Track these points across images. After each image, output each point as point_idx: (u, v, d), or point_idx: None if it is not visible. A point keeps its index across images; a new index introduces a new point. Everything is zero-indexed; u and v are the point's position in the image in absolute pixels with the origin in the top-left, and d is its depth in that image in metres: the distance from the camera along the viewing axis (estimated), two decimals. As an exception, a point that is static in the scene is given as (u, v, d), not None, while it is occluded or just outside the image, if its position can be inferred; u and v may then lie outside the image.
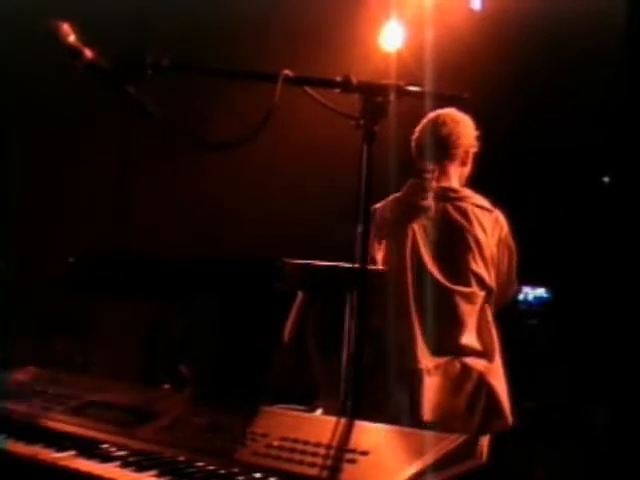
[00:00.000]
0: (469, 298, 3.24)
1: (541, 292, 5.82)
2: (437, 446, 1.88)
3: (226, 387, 2.40)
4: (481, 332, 3.26)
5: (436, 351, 3.18)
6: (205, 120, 5.33)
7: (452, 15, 5.21)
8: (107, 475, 1.90)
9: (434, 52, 4.13)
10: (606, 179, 5.67)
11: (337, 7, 5.26)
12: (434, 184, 3.33)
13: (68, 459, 2.01)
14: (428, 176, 3.35)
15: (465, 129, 3.40)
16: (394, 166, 3.38)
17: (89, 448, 2.07)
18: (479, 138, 3.45)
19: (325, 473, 1.84)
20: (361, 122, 2.16)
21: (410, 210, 3.30)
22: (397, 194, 3.37)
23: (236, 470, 1.92)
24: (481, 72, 4.97)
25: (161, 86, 2.36)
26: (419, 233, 3.28)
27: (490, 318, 3.30)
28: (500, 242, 3.35)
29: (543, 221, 5.56)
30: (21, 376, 2.65)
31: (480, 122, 3.47)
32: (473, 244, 3.26)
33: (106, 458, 2.01)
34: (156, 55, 2.14)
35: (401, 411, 3.10)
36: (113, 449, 2.07)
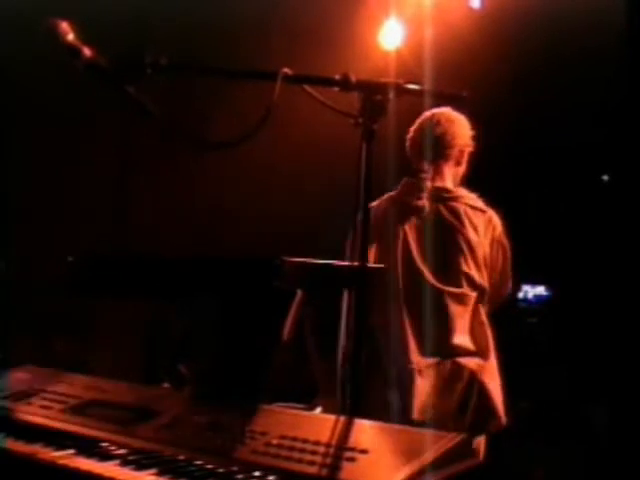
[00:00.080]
0: (460, 299, 3.23)
1: (540, 290, 5.82)
2: (436, 445, 1.88)
3: (225, 386, 2.39)
4: (474, 332, 3.26)
5: (427, 351, 3.18)
6: (205, 119, 5.33)
7: (451, 13, 5.21)
8: (107, 474, 1.90)
9: (433, 50, 4.13)
10: (605, 177, 5.67)
11: (337, 6, 5.27)
12: (428, 184, 3.33)
13: (67, 458, 2.01)
14: (422, 176, 3.34)
15: (460, 129, 3.40)
16: (393, 164, 3.38)
17: (88, 447, 2.07)
18: (475, 137, 3.45)
19: (324, 471, 1.85)
20: (360, 120, 2.16)
21: (404, 210, 3.29)
22: (392, 193, 3.37)
23: (235, 469, 1.92)
24: (480, 70, 4.97)
25: (160, 86, 2.36)
26: (411, 233, 3.28)
27: (484, 318, 3.30)
28: (494, 242, 3.34)
29: (542, 219, 5.57)
30: (20, 375, 2.65)
31: (479, 120, 3.47)
32: (464, 245, 3.25)
33: (106, 457, 2.01)
34: (155, 55, 2.15)
35: (392, 410, 3.10)
36: (113, 448, 2.07)
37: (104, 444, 2.10)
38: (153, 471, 1.92)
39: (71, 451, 2.05)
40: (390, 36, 5.22)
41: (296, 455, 1.93)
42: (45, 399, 2.43)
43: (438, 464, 1.86)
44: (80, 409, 2.34)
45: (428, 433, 1.96)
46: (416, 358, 3.17)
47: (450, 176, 3.40)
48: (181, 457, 2.00)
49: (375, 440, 1.93)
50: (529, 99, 5.46)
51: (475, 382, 3.19)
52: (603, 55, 4.84)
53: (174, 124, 2.10)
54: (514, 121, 5.50)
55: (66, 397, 2.42)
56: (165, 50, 2.17)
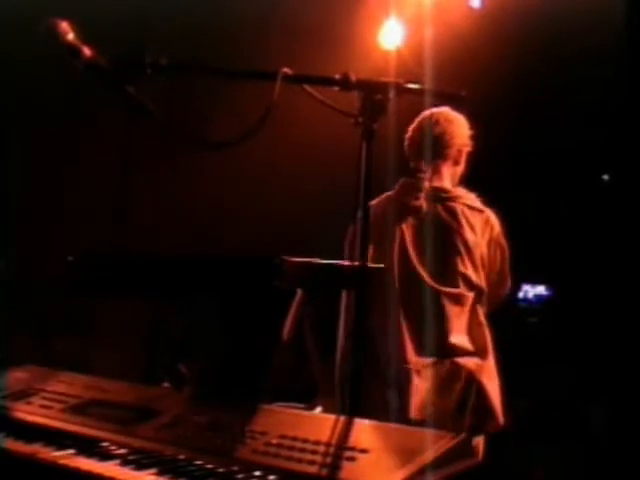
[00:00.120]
0: (456, 299, 3.23)
1: (541, 290, 5.82)
2: (436, 444, 1.88)
3: (225, 386, 2.40)
4: (472, 333, 3.26)
5: (425, 351, 3.18)
6: (204, 119, 5.33)
7: (451, 13, 5.21)
8: (107, 473, 1.90)
9: (433, 50, 4.13)
10: (605, 177, 5.67)
11: (337, 5, 5.27)
12: (426, 184, 3.33)
13: (68, 457, 2.01)
14: (420, 176, 3.34)
15: (458, 128, 3.39)
16: (393, 164, 3.38)
17: (89, 446, 2.07)
18: (473, 137, 3.44)
19: (324, 471, 1.85)
20: (360, 120, 2.16)
21: (401, 210, 3.29)
22: (389, 193, 3.37)
23: (236, 468, 1.92)
24: (481, 70, 4.97)
25: (160, 86, 2.37)
26: (408, 233, 3.28)
27: (482, 318, 3.29)
28: (491, 242, 3.34)
29: (543, 219, 5.56)
30: (20, 374, 2.65)
31: (479, 120, 3.47)
32: (461, 245, 3.25)
33: (106, 456, 2.01)
34: (155, 54, 2.15)
35: (390, 410, 3.10)
36: (113, 447, 2.08)
37: (104, 444, 2.10)
38: (153, 471, 1.93)
39: (71, 451, 2.05)
40: (390, 36, 5.22)
41: (296, 455, 1.93)
42: (45, 399, 2.43)
43: (438, 464, 1.86)
44: (80, 409, 2.34)
45: (428, 433, 1.96)
46: (413, 358, 3.17)
47: (448, 176, 3.40)
48: (181, 457, 2.00)
49: (375, 440, 1.93)
50: (529, 98, 5.46)
51: (473, 382, 3.19)
52: (603, 54, 4.84)
53: (174, 124, 2.10)
54: (514, 120, 5.50)
55: (66, 397, 2.42)
56: (165, 50, 2.17)
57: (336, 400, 3.23)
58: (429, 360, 3.18)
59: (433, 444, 1.88)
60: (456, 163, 3.42)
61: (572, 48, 5.20)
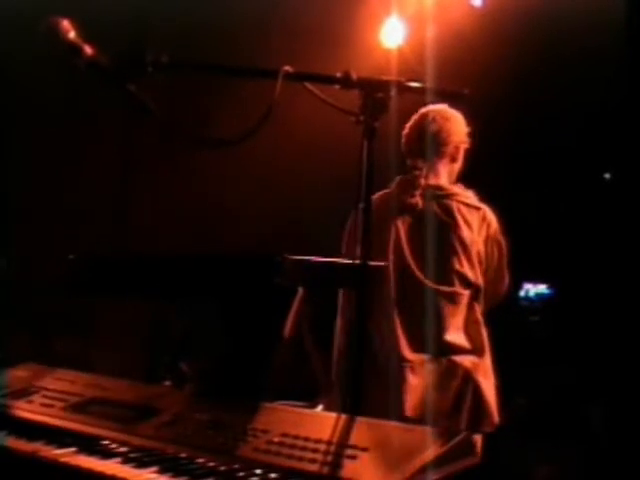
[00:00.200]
0: (452, 297, 3.23)
1: (542, 289, 5.82)
2: (437, 443, 1.88)
3: (226, 384, 2.40)
4: (469, 331, 3.25)
5: (420, 349, 3.17)
6: (205, 118, 5.33)
7: (453, 11, 5.20)
8: (108, 472, 1.90)
9: (435, 48, 4.13)
10: (607, 175, 5.67)
11: (338, 4, 5.26)
12: (423, 182, 3.32)
13: (69, 456, 2.01)
14: (417, 173, 3.34)
15: (455, 125, 3.39)
16: (395, 162, 3.38)
17: (90, 445, 2.07)
18: (471, 134, 3.44)
19: (326, 469, 1.85)
20: (361, 118, 2.16)
21: (397, 207, 3.28)
22: (386, 190, 3.37)
23: (237, 466, 1.92)
24: (482, 68, 4.97)
25: (161, 84, 2.36)
26: (403, 231, 3.27)
27: (479, 316, 3.29)
28: (488, 239, 3.33)
29: (544, 218, 5.56)
30: (21, 373, 2.65)
31: (481, 118, 3.47)
32: (457, 243, 3.24)
33: (107, 455, 2.01)
34: (156, 52, 2.14)
35: (386, 407, 3.09)
36: (114, 446, 2.08)
37: (105, 442, 2.10)
38: (154, 469, 1.93)
39: (72, 449, 2.05)
40: (391, 34, 5.21)
41: (297, 453, 1.93)
42: (46, 397, 2.43)
43: (439, 462, 1.86)
44: (81, 407, 2.34)
45: (429, 431, 1.96)
46: (408, 355, 3.16)
47: (445, 173, 3.39)
48: (182, 455, 2.00)
49: (376, 438, 1.93)
50: (530, 97, 5.46)
51: (470, 380, 3.19)
52: (603, 54, 4.84)
53: (174, 123, 2.10)
54: (515, 119, 5.50)
55: (67, 395, 2.42)
56: (165, 50, 2.17)
57: (334, 397, 3.24)
58: (425, 357, 3.18)
59: (435, 442, 1.88)
60: (453, 160, 3.42)
61: (573, 48, 5.21)
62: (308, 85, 2.21)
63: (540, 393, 5.06)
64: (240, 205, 5.59)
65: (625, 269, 4.54)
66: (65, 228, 5.35)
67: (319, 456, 1.90)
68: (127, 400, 2.34)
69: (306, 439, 1.97)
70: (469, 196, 3.37)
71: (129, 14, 5.30)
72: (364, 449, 1.87)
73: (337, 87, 2.21)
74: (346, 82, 2.19)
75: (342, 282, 2.50)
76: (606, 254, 4.84)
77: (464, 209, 3.30)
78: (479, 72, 4.81)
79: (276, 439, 2.00)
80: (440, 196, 3.31)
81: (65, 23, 2.03)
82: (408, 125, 3.41)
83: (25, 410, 2.36)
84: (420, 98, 3.09)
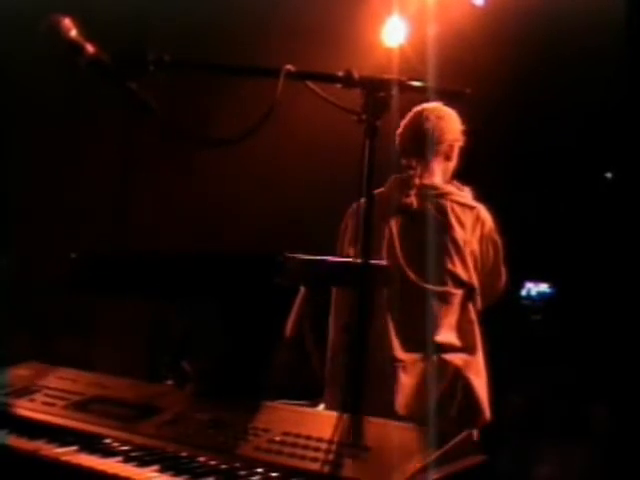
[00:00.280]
0: (444, 297, 3.22)
1: (544, 288, 5.81)
2: (438, 443, 1.88)
3: (227, 384, 2.40)
4: (462, 329, 3.25)
5: (412, 348, 3.17)
6: (206, 117, 5.33)
7: (454, 11, 5.20)
8: (109, 470, 1.91)
9: (436, 47, 4.12)
10: (609, 175, 5.66)
11: (339, 3, 5.26)
12: (417, 181, 3.32)
13: (70, 454, 2.01)
14: (411, 172, 3.34)
15: (449, 124, 3.39)
16: (396, 161, 3.38)
17: (91, 443, 2.07)
18: (465, 132, 3.44)
19: (327, 468, 1.85)
20: (363, 117, 2.16)
21: (391, 207, 3.28)
22: (380, 189, 3.36)
23: (238, 465, 1.92)
24: (483, 67, 4.96)
25: (161, 83, 2.36)
26: (396, 231, 3.27)
27: (473, 316, 3.28)
28: (483, 238, 3.32)
29: (546, 217, 5.56)
30: (23, 372, 2.66)
31: (482, 118, 3.46)
32: (450, 243, 3.24)
33: (108, 453, 2.02)
34: (158, 51, 2.14)
35: (376, 405, 3.10)
36: (115, 444, 2.08)
37: (107, 441, 2.10)
38: (155, 468, 1.93)
39: (74, 447, 2.05)
40: (393, 33, 5.20)
41: (299, 452, 1.94)
42: (48, 395, 2.44)
43: (441, 461, 1.86)
44: (83, 406, 2.34)
45: (431, 430, 1.97)
46: (400, 355, 3.17)
47: (440, 172, 3.39)
48: (183, 454, 2.01)
49: (378, 437, 1.93)
50: (531, 96, 5.45)
51: (460, 378, 3.19)
52: (604, 54, 4.85)
53: (175, 122, 2.10)
54: (516, 118, 5.50)
55: (69, 394, 2.43)
56: (165, 50, 2.17)
57: (328, 395, 3.24)
58: (416, 356, 3.18)
59: (434, 442, 1.89)
60: (448, 159, 3.41)
61: (573, 47, 5.20)
62: (310, 84, 2.21)
63: (542, 392, 5.06)
64: (240, 204, 5.59)
65: (627, 268, 4.54)
66: (65, 227, 5.35)
67: (320, 455, 1.90)
68: (128, 399, 2.34)
69: (307, 438, 1.98)
70: (464, 195, 3.36)
71: (129, 14, 5.30)
72: (365, 448, 1.88)
73: (339, 86, 2.21)
74: (348, 81, 2.19)
75: (343, 281, 2.50)
76: (607, 253, 4.83)
77: (458, 208, 3.29)
78: (480, 71, 4.81)
79: (277, 438, 2.01)
80: (434, 195, 3.30)
81: (66, 21, 2.03)
82: (402, 124, 3.41)
83: (26, 409, 2.36)
84: (421, 97, 3.10)
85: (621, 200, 4.74)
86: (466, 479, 1.95)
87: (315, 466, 1.87)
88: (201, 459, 1.97)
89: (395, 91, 2.18)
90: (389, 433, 1.98)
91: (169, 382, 2.53)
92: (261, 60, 2.42)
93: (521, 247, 3.44)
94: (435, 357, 3.18)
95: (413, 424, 2.04)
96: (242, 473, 1.89)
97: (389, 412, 2.98)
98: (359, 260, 2.12)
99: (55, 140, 5.44)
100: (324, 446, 1.93)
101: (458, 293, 3.24)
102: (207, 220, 5.59)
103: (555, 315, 5.67)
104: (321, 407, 3.16)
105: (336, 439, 1.92)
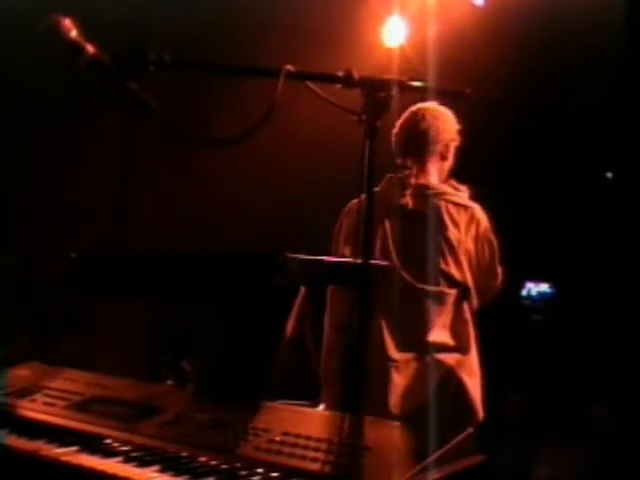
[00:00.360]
0: (437, 297, 3.22)
1: (545, 288, 5.80)
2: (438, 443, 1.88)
3: (227, 384, 2.40)
4: (456, 330, 3.25)
5: (404, 347, 3.18)
6: (205, 118, 5.33)
7: (454, 11, 5.19)
8: (110, 470, 1.91)
9: (436, 47, 4.12)
10: (609, 174, 5.66)
11: (339, 3, 5.25)
12: (413, 181, 3.32)
13: (70, 454, 2.01)
14: (406, 172, 3.34)
15: (444, 123, 3.38)
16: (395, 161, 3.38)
17: (92, 443, 2.07)
18: (461, 132, 3.44)
19: (327, 468, 1.85)
20: (363, 117, 2.15)
21: (386, 207, 3.28)
22: (375, 189, 3.36)
23: (238, 465, 1.92)
24: (483, 67, 4.96)
25: (161, 83, 2.36)
26: (390, 230, 3.27)
27: (467, 316, 3.28)
28: (478, 238, 3.32)
29: (546, 217, 5.55)
30: (24, 372, 2.66)
31: (482, 118, 3.46)
32: (444, 243, 3.24)
33: (109, 453, 2.02)
34: (158, 51, 2.14)
35: (370, 405, 3.11)
36: (116, 444, 2.08)
37: (107, 441, 2.11)
38: (156, 468, 1.93)
39: (74, 448, 2.05)
40: (393, 33, 5.20)
41: (299, 452, 1.94)
42: (48, 396, 2.44)
43: (441, 461, 1.86)
44: (83, 406, 2.34)
45: (431, 431, 1.97)
46: (394, 355, 3.17)
47: (435, 172, 3.39)
48: (184, 454, 2.01)
49: (378, 437, 1.93)
50: (531, 96, 5.45)
51: (453, 377, 3.19)
52: (604, 54, 4.84)
53: (175, 122, 2.10)
54: (516, 118, 5.49)
55: (69, 394, 2.43)
56: (165, 50, 2.17)
57: (325, 394, 3.25)
58: (409, 355, 3.18)
59: (434, 442, 1.89)
60: (443, 158, 3.41)
61: (573, 47, 5.20)
62: (310, 84, 2.20)
63: (542, 392, 5.05)
64: (240, 204, 5.58)
65: (627, 268, 4.54)
66: (65, 227, 5.35)
67: (320, 455, 1.90)
68: (129, 399, 2.34)
69: (307, 438, 1.98)
70: (459, 194, 3.36)
71: (129, 14, 5.30)
72: (365, 448, 1.87)
73: (339, 86, 2.21)
74: (348, 81, 2.18)
75: (343, 281, 2.50)
76: (608, 253, 4.83)
77: (452, 208, 3.29)
78: (480, 71, 4.80)
79: (277, 438, 2.01)
80: (428, 195, 3.30)
81: (66, 22, 2.03)
82: (398, 123, 3.41)
83: (27, 409, 2.36)
84: (421, 97, 3.10)
85: (621, 200, 4.73)
86: (466, 479, 1.95)
87: (315, 466, 1.87)
88: (201, 459, 1.97)
89: (395, 91, 2.18)
90: (389, 433, 1.98)
91: (169, 382, 2.53)
92: (261, 60, 2.42)
93: (521, 247, 3.44)
94: (428, 357, 3.18)
95: (406, 424, 2.05)
96: (242, 473, 1.89)
97: (382, 412, 2.98)
98: (359, 260, 2.11)
99: (55, 140, 5.44)
100: (324, 446, 1.93)
101: (452, 293, 3.24)
102: (207, 220, 5.58)
103: (555, 315, 5.66)
104: (321, 407, 3.16)
105: (336, 439, 1.92)
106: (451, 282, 3.24)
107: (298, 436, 2.00)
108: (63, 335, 5.01)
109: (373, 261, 2.30)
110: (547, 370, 5.00)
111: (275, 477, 1.87)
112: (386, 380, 3.14)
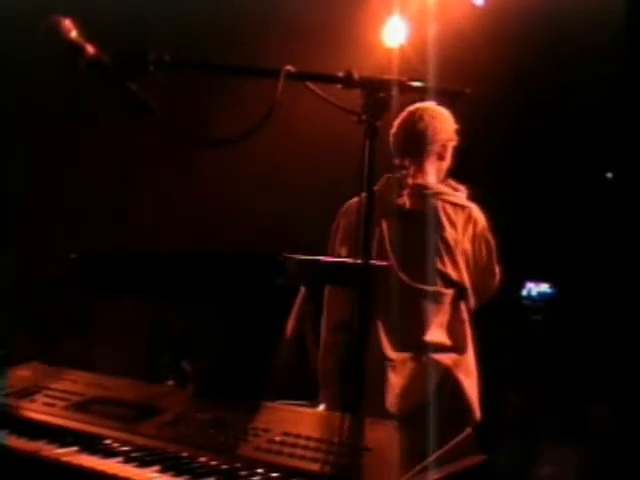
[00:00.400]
0: (434, 297, 3.23)
1: (545, 288, 5.80)
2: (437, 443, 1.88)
3: (227, 384, 2.40)
4: (452, 329, 3.25)
5: (401, 347, 3.18)
6: (205, 118, 5.33)
7: (455, 11, 5.19)
8: (110, 471, 1.91)
9: (436, 48, 4.13)
10: (609, 175, 5.66)
11: (339, 3, 5.25)
12: (410, 181, 3.32)
13: (71, 455, 2.01)
14: (404, 173, 3.34)
15: (442, 123, 3.39)
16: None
17: (92, 444, 2.08)
18: (459, 132, 3.44)
19: (327, 468, 1.85)
20: (363, 117, 2.15)
21: (383, 206, 3.28)
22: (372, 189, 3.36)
23: (238, 465, 1.92)
24: (483, 68, 4.96)
25: (161, 83, 2.36)
26: (387, 231, 3.27)
27: (464, 316, 3.28)
28: (475, 237, 3.32)
29: (546, 217, 5.55)
30: (24, 372, 2.66)
31: (482, 118, 3.46)
32: (441, 243, 3.24)
33: (109, 454, 2.02)
34: (158, 51, 2.14)
35: (366, 404, 3.11)
36: (116, 445, 2.08)
37: (107, 441, 2.11)
38: (156, 468, 1.93)
39: (74, 448, 2.05)
40: (393, 33, 5.19)
41: (299, 452, 1.94)
42: (48, 396, 2.44)
43: (441, 462, 1.86)
44: (83, 406, 2.34)
45: (429, 430, 1.97)
46: (390, 354, 3.17)
47: (433, 172, 3.39)
48: (184, 454, 2.01)
49: (378, 437, 1.93)
50: (531, 97, 5.45)
51: (449, 377, 3.20)
52: (604, 54, 4.84)
53: (175, 122, 2.10)
54: (516, 118, 5.49)
55: (69, 394, 2.43)
56: (165, 50, 2.17)
57: (322, 394, 3.25)
58: (406, 355, 3.18)
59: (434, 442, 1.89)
60: (441, 158, 3.41)
61: (573, 47, 5.20)
62: (310, 84, 2.20)
63: (542, 393, 5.05)
64: (240, 204, 5.58)
65: (627, 268, 4.54)
66: (65, 227, 5.35)
67: (320, 455, 1.91)
68: (129, 399, 2.34)
69: (307, 438, 1.98)
70: (456, 194, 3.37)
71: (129, 14, 5.29)
72: (366, 449, 1.87)
73: (339, 86, 2.21)
74: (348, 81, 2.18)
75: (343, 281, 2.50)
76: (608, 253, 4.83)
77: (449, 208, 3.29)
78: (480, 71, 4.80)
79: (277, 438, 2.01)
80: (426, 195, 3.30)
81: (66, 22, 2.03)
82: (396, 123, 3.41)
83: (27, 409, 2.36)
84: (422, 97, 3.09)
85: (621, 200, 4.73)
86: (466, 479, 1.95)
87: (315, 466, 1.87)
88: (202, 459, 1.98)
89: (395, 91, 2.18)
90: (389, 433, 1.98)
91: (169, 382, 2.53)
92: (261, 60, 2.42)
93: (521, 247, 3.44)
94: (425, 357, 3.18)
95: (403, 423, 2.05)
96: (242, 473, 1.89)
97: (379, 411, 2.99)
98: (358, 260, 2.12)
99: (55, 140, 5.44)
100: (324, 446, 1.93)
101: (448, 293, 3.24)
102: (207, 220, 5.58)
103: (556, 315, 5.66)
104: (321, 407, 3.16)
105: (336, 439, 1.92)
106: (448, 282, 3.24)
107: (298, 436, 2.00)
108: (63, 335, 5.01)
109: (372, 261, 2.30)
110: (547, 370, 5.00)
111: (275, 477, 1.87)
112: (383, 380, 3.14)
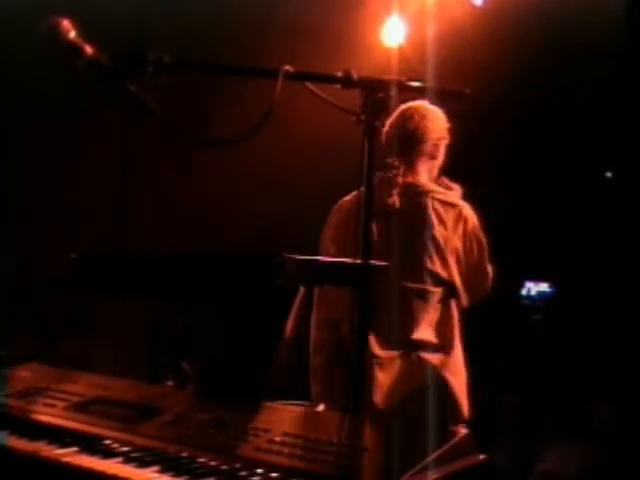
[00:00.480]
0: (422, 295, 3.23)
1: (544, 287, 5.80)
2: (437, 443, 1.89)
3: (227, 384, 2.40)
4: (441, 328, 3.25)
5: (389, 345, 3.18)
6: (205, 118, 5.33)
7: (454, 10, 5.19)
8: (110, 471, 1.91)
9: (435, 47, 4.12)
10: (609, 174, 5.66)
11: (339, 3, 5.25)
12: (400, 180, 3.32)
13: (70, 455, 2.01)
14: (395, 172, 3.33)
15: (433, 122, 3.38)
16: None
17: (92, 444, 2.08)
18: (450, 130, 3.44)
19: (327, 469, 1.85)
20: (362, 117, 2.16)
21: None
22: (362, 188, 3.36)
23: (238, 466, 1.92)
24: (482, 67, 4.96)
25: (161, 84, 2.36)
26: (377, 230, 3.27)
27: (454, 313, 3.29)
28: (466, 236, 3.31)
29: (546, 216, 5.55)
30: (24, 373, 2.66)
31: (482, 117, 3.46)
32: (429, 241, 3.24)
33: (109, 454, 2.02)
34: (158, 51, 2.14)
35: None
36: (116, 445, 2.08)
37: (107, 442, 2.11)
38: (156, 468, 1.93)
39: (74, 449, 2.05)
40: (392, 33, 5.19)
41: (298, 452, 1.94)
42: (48, 397, 2.44)
43: (441, 461, 1.86)
44: (83, 407, 2.34)
45: (430, 431, 1.97)
46: (378, 352, 3.17)
47: (424, 170, 3.39)
48: (184, 454, 2.01)
49: (377, 438, 1.93)
50: (530, 96, 5.45)
51: (438, 376, 3.19)
52: (604, 53, 4.84)
53: (175, 122, 2.10)
54: (516, 117, 5.49)
55: (69, 395, 2.43)
56: (165, 50, 2.17)
57: (314, 393, 3.25)
58: (393, 353, 3.19)
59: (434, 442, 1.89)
60: (432, 157, 3.41)
61: (573, 47, 5.20)
62: (309, 84, 2.20)
63: (542, 392, 5.06)
64: (240, 204, 5.58)
65: (627, 268, 4.54)
66: (65, 227, 5.35)
67: (320, 455, 1.90)
68: (129, 400, 2.34)
69: (307, 439, 1.98)
70: (447, 193, 3.36)
71: (129, 14, 5.29)
72: (365, 449, 1.88)
73: (338, 86, 2.21)
74: (347, 81, 2.18)
75: (343, 281, 2.50)
76: (608, 253, 4.83)
77: (439, 206, 3.29)
78: (480, 71, 4.80)
79: (277, 438, 2.01)
80: (416, 194, 3.30)
81: (65, 23, 2.03)
82: (387, 123, 3.41)
83: (27, 410, 2.36)
84: (421, 97, 3.10)
85: (621, 200, 4.74)
86: (466, 479, 1.95)
87: (315, 466, 1.87)
88: (201, 459, 1.97)
89: (394, 91, 2.18)
90: (388, 434, 1.98)
91: (169, 383, 2.53)
92: (261, 60, 2.42)
93: (521, 247, 3.43)
94: (413, 355, 3.19)
95: (391, 421, 2.05)
96: (242, 473, 1.89)
97: (367, 409, 2.99)
98: (358, 260, 2.12)
99: (55, 140, 5.44)
100: (324, 446, 1.93)
101: (437, 291, 3.24)
102: (207, 220, 5.58)
103: (555, 315, 5.67)
104: (321, 407, 3.16)
105: (336, 439, 1.92)
106: (437, 281, 3.24)
107: (298, 436, 2.00)
108: (63, 335, 5.01)
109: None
110: (547, 370, 5.00)
111: (275, 477, 1.87)
112: (370, 378, 3.13)
